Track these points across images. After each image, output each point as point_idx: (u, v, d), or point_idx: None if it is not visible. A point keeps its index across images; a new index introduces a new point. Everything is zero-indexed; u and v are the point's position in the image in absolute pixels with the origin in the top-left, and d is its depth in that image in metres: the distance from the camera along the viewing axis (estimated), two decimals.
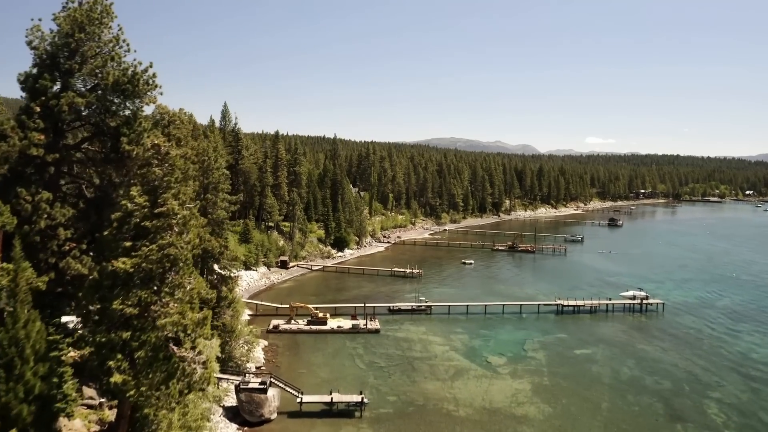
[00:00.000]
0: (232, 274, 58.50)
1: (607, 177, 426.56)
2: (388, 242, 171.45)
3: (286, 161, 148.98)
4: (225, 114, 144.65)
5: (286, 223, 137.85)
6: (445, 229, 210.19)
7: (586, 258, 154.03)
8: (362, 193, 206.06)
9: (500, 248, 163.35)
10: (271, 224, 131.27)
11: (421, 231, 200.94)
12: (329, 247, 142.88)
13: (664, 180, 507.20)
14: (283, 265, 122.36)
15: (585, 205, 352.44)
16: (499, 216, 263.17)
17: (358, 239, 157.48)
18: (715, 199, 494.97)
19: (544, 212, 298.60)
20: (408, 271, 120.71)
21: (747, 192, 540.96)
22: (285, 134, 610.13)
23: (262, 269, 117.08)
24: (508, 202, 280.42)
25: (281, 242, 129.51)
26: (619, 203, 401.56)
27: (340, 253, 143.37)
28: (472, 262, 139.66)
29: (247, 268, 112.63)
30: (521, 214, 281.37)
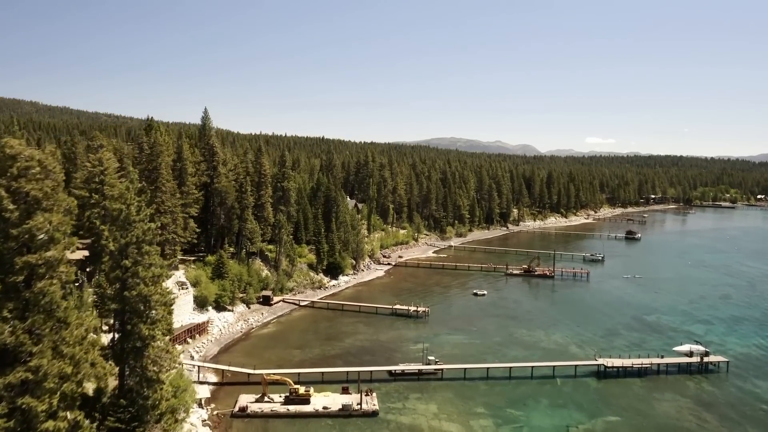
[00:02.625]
0: (162, 374, 40.32)
1: (616, 182, 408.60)
2: (389, 264, 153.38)
3: (273, 176, 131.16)
4: (205, 121, 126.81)
5: (272, 247, 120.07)
6: (451, 245, 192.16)
7: (611, 285, 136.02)
8: (360, 206, 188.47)
9: (514, 272, 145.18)
10: (253, 251, 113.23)
11: (424, 248, 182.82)
12: (321, 275, 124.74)
13: (674, 184, 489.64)
14: (266, 302, 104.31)
15: (595, 212, 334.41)
16: (507, 227, 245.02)
17: (354, 262, 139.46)
18: (727, 204, 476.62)
19: (554, 222, 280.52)
20: (412, 309, 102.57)
21: (759, 196, 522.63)
22: (283, 135, 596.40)
23: (240, 308, 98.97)
24: (516, 211, 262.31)
25: (264, 272, 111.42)
26: (630, 210, 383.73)
27: (333, 282, 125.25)
28: (485, 292, 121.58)
29: (221, 309, 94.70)
30: (530, 224, 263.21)
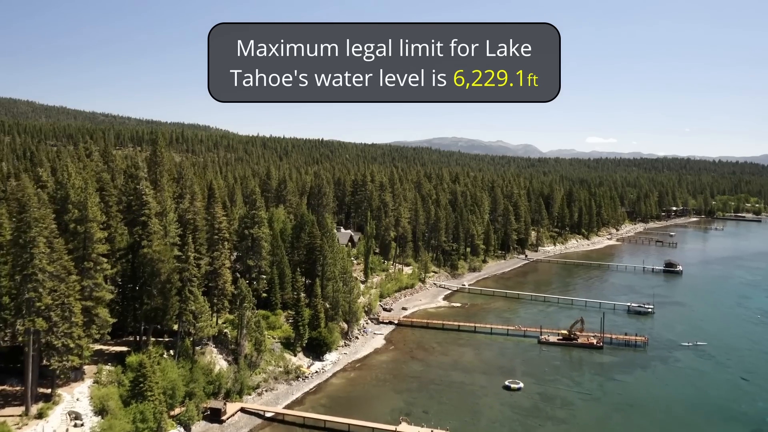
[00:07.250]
0: None
1: (635, 195, 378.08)
2: (390, 321, 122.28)
3: (240, 219, 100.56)
4: (156, 149, 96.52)
5: (233, 317, 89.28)
6: (463, 284, 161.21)
7: (680, 364, 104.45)
8: (357, 237, 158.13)
9: (550, 340, 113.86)
10: (204, 335, 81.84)
11: (433, 292, 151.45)
12: (300, 356, 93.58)
13: (691, 192, 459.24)
14: (215, 416, 72.99)
15: (617, 230, 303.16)
16: (525, 255, 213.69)
17: (346, 326, 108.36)
18: (751, 216, 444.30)
19: (576, 245, 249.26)
20: None
21: None
22: (281, 137, 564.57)
23: None
24: (534, 233, 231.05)
25: (218, 366, 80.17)
26: (651, 225, 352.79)
27: (316, 365, 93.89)
28: (521, 385, 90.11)
29: None
30: (549, 249, 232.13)
